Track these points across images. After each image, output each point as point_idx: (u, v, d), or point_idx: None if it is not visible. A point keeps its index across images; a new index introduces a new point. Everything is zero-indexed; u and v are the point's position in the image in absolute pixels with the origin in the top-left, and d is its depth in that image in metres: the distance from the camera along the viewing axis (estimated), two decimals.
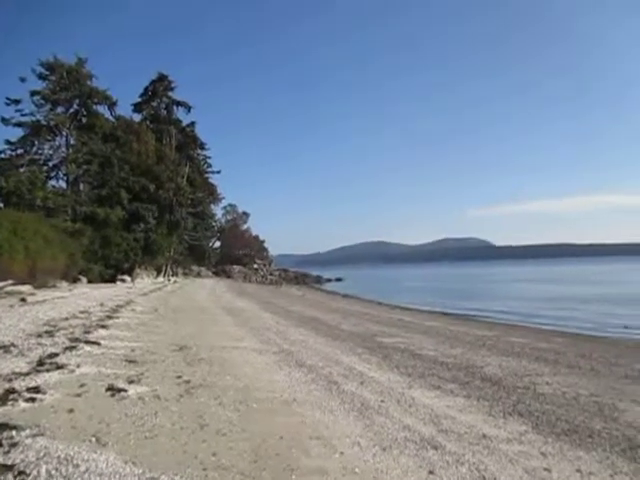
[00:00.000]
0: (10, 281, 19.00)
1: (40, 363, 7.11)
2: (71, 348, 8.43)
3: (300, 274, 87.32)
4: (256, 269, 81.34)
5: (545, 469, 4.69)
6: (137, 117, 57.57)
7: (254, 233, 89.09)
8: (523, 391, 8.03)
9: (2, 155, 36.72)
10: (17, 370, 6.62)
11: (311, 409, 6.28)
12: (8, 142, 36.76)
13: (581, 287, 50.94)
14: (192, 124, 65.36)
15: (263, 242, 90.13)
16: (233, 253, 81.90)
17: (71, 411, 5.22)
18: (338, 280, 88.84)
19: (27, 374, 6.45)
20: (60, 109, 38.16)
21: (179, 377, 7.29)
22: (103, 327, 11.27)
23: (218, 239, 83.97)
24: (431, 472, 4.47)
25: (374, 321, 20.01)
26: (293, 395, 6.92)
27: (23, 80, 35.88)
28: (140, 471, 3.96)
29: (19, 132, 36.70)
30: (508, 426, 6.05)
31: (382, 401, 6.94)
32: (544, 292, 45.52)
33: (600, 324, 21.36)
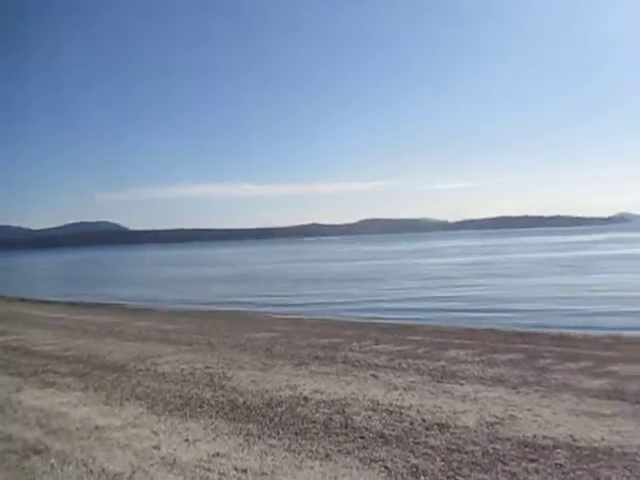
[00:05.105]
0: None
1: None
2: None
3: None
4: None
5: (154, 447, 4.85)
6: None
7: None
8: (144, 373, 8.15)
9: None
10: None
11: None
12: None
13: (210, 268, 55.31)
14: None
15: None
16: None
17: None
18: None
19: None
20: None
21: None
22: None
23: None
24: None
25: None
26: None
27: None
28: None
29: None
30: (124, 412, 6.03)
31: None
32: (174, 274, 47.57)
33: (224, 301, 23.50)
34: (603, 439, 4.85)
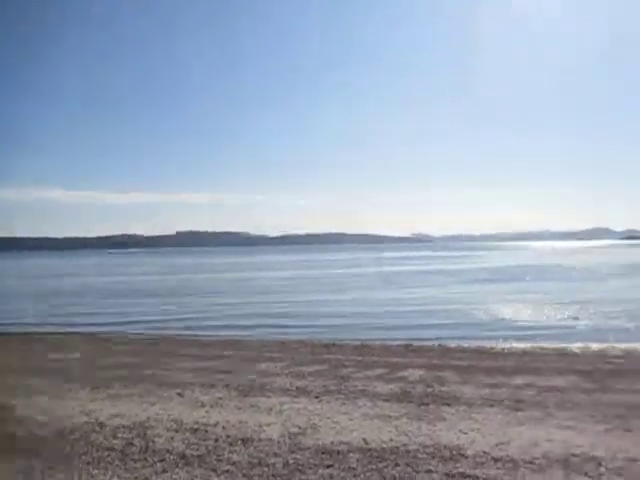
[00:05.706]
0: None
1: None
2: None
3: None
4: None
5: None
6: None
7: None
8: None
9: None
10: None
11: None
12: None
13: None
14: None
15: None
16: None
17: None
18: None
19: None
20: None
21: None
22: None
23: None
24: None
25: None
26: None
27: None
28: None
29: None
30: None
31: None
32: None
33: (18, 322, 20.60)
34: (391, 440, 5.30)
